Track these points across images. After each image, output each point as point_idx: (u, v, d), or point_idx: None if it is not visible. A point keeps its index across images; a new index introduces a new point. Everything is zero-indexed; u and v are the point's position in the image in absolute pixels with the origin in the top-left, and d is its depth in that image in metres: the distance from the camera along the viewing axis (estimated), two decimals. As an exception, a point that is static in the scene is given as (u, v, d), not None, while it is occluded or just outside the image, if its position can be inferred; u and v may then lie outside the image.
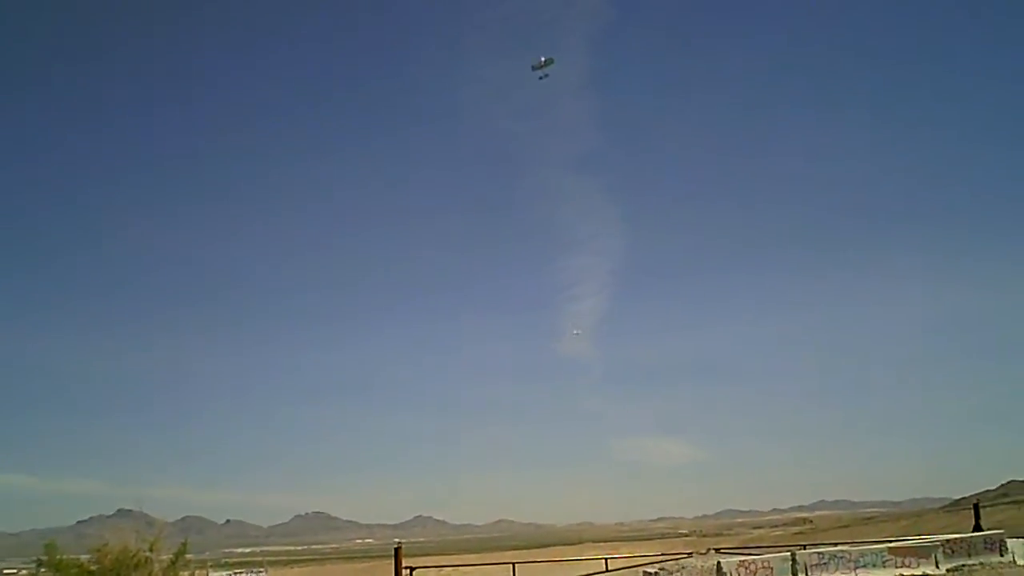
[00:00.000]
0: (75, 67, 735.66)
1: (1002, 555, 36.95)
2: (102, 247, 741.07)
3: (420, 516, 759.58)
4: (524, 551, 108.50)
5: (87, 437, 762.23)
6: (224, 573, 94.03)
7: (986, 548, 37.17)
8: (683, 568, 39.55)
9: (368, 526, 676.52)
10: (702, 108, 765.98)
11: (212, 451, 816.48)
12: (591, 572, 41.63)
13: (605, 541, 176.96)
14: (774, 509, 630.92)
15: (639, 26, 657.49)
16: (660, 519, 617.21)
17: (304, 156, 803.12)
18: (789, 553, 34.39)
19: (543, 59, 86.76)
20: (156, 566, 32.74)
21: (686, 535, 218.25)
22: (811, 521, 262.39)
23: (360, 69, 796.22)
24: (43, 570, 32.63)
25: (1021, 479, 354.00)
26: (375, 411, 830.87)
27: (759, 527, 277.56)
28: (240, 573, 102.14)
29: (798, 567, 33.09)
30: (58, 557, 31.84)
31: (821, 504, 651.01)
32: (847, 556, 34.42)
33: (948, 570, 34.97)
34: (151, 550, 32.77)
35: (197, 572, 38.01)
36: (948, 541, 37.10)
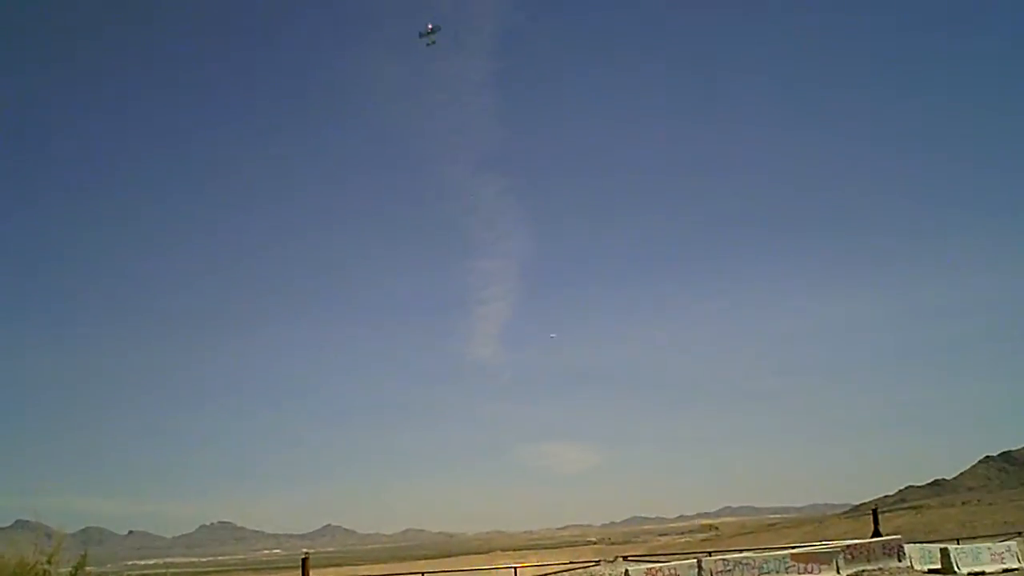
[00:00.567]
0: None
1: (900, 560, 37.73)
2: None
3: (328, 526, 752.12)
4: (434, 560, 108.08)
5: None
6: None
7: (885, 553, 37.88)
8: None
9: (275, 536, 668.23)
10: (606, 109, 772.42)
11: (115, 459, 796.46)
12: (501, 582, 41.66)
13: (515, 550, 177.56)
14: (680, 516, 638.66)
15: (544, 25, 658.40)
16: (568, 527, 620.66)
17: (200, 152, 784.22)
18: (695, 560, 34.65)
19: (430, 26, 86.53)
20: (56, 580, 31.71)
21: (594, 543, 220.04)
22: (716, 528, 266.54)
23: (258, 65, 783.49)
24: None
25: (918, 485, 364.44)
26: (282, 418, 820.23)
27: (665, 534, 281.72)
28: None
29: (704, 574, 33.43)
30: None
31: (726, 511, 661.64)
32: (751, 563, 34.78)
33: (848, 575, 35.65)
34: (49, 563, 31.75)
35: (98, 585, 36.97)
36: (848, 547, 37.72)
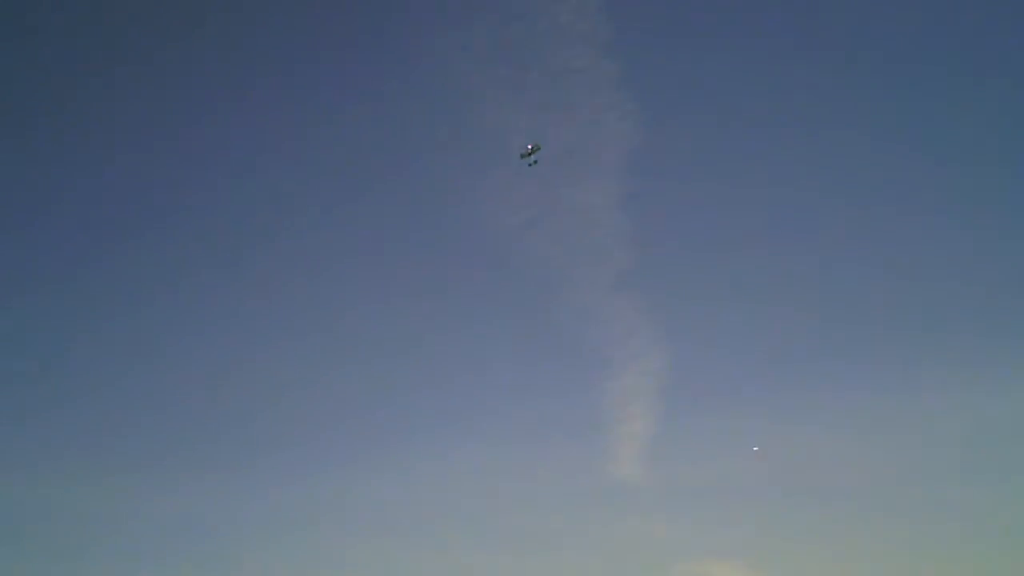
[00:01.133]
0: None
1: None
2: None
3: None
4: None
5: None
6: None
7: None
8: None
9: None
10: (733, 227, 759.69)
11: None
12: None
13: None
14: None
15: (670, 145, 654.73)
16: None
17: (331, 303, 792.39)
18: None
19: (530, 146, 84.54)
20: None
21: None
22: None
23: (386, 201, 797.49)
24: None
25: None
26: (425, 551, 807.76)
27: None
28: None
29: None
30: None
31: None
32: None
33: None
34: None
35: None
36: None
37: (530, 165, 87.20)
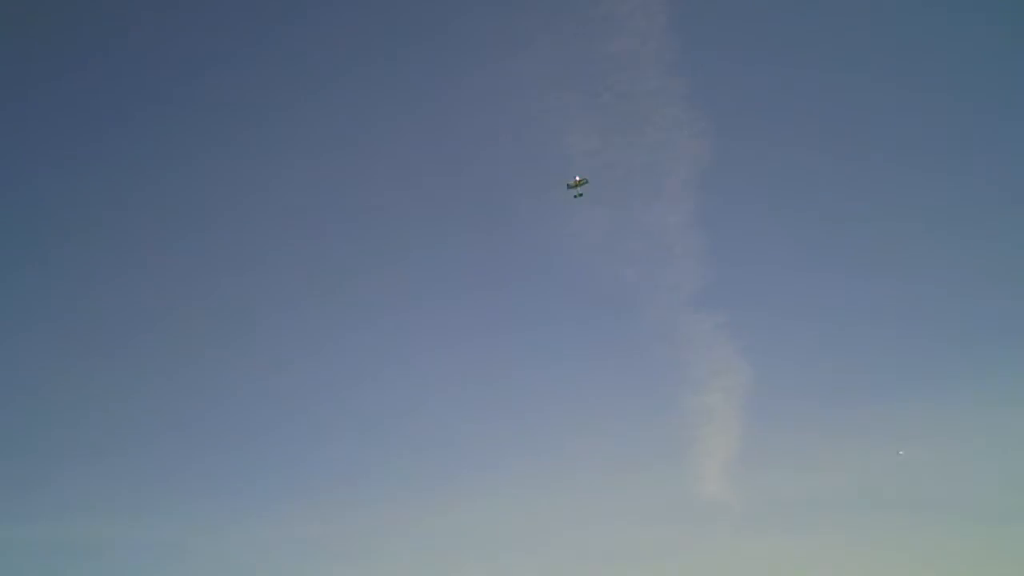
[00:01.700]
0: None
1: None
2: None
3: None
4: None
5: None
6: None
7: None
8: None
9: None
10: (805, 242, 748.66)
11: None
12: None
13: None
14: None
15: (741, 161, 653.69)
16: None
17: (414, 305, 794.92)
18: None
19: (577, 178, 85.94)
20: None
21: None
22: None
23: (455, 234, 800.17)
24: None
25: None
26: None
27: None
28: None
29: None
30: None
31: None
32: None
33: None
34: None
35: None
36: None
37: (576, 197, 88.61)
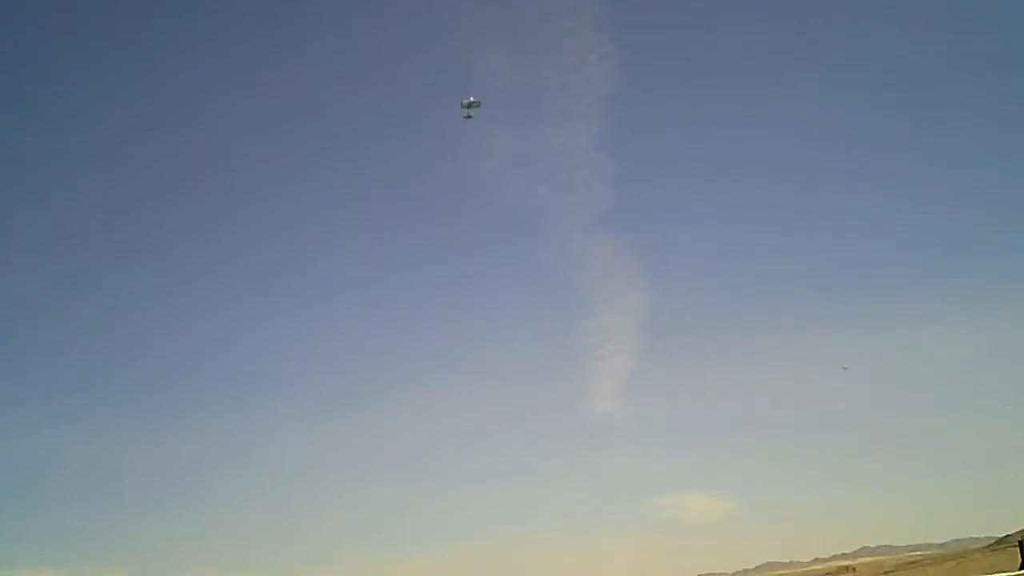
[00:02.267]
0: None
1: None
2: None
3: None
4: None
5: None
6: None
7: (1033, 587, 37.45)
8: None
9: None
10: (710, 164, 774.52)
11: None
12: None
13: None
14: (816, 559, 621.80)
15: (647, 89, 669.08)
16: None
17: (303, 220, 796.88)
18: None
19: (471, 98, 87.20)
20: None
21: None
22: (854, 569, 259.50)
23: (366, 139, 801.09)
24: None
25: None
26: (398, 486, 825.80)
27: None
28: None
29: (845, 615, 33.20)
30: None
31: (863, 551, 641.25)
32: (895, 602, 34.54)
33: (996, 612, 35.21)
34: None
35: None
36: (995, 583, 37.42)
37: (466, 118, 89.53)
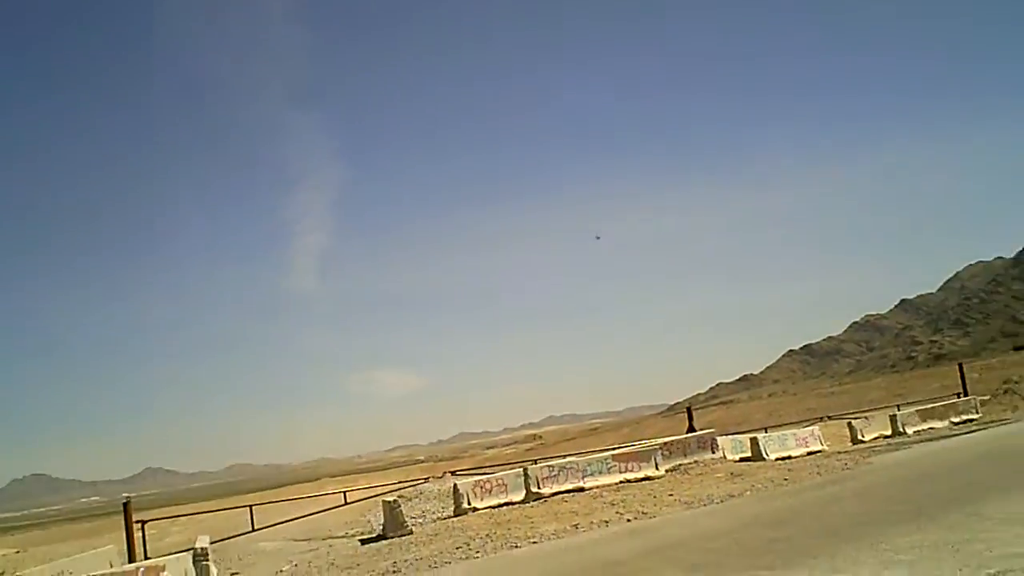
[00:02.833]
0: None
1: (714, 452, 39.21)
2: None
3: (148, 468, 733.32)
4: (261, 493, 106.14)
5: None
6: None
7: (699, 447, 39.30)
8: (421, 493, 39.95)
9: (92, 484, 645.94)
10: (418, 39, 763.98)
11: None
12: (330, 507, 41.22)
13: (343, 475, 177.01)
14: (505, 428, 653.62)
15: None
16: (396, 448, 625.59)
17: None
18: (522, 469, 34.92)
19: None
20: None
21: (422, 461, 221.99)
22: (540, 437, 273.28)
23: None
24: None
25: (728, 381, 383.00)
26: (90, 361, 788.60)
27: (492, 447, 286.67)
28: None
29: (530, 481, 33.73)
30: None
31: (549, 420, 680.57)
32: (575, 466, 35.29)
33: (667, 470, 36.66)
34: None
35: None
36: (666, 444, 38.89)
37: None
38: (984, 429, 43.51)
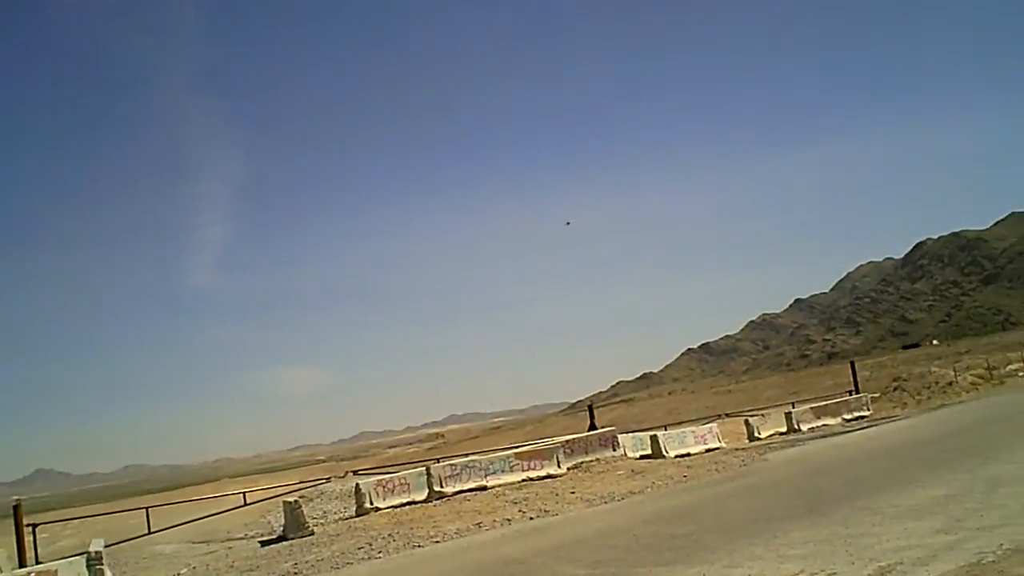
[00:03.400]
0: None
1: (615, 449, 39.57)
2: None
3: (40, 470, 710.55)
4: (159, 494, 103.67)
5: None
6: None
7: (601, 445, 39.59)
8: (322, 494, 39.45)
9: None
10: (321, 28, 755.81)
11: None
12: (230, 508, 40.47)
13: (243, 475, 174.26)
14: (408, 428, 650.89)
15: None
16: (298, 448, 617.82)
17: None
18: (424, 468, 34.75)
19: None
20: None
21: (324, 461, 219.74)
22: (443, 436, 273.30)
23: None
24: None
25: (628, 379, 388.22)
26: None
27: (395, 446, 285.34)
28: None
29: (433, 480, 33.62)
30: None
31: (452, 418, 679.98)
32: (477, 465, 35.26)
33: (569, 468, 36.87)
34: None
35: None
36: (567, 442, 39.07)
37: None
38: (875, 425, 44.99)
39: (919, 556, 13.22)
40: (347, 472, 52.69)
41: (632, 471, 34.58)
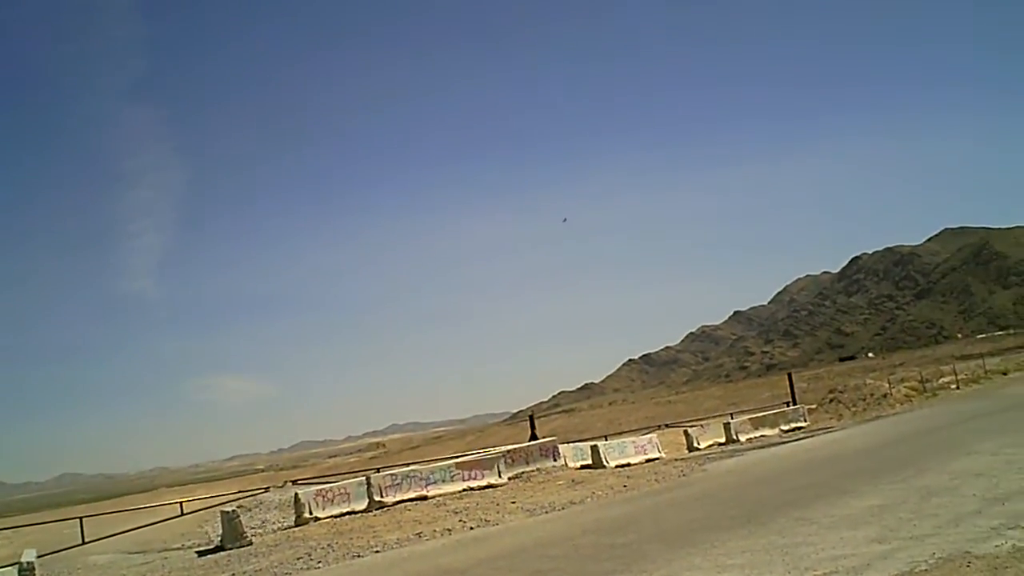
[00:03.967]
0: None
1: (555, 460, 39.66)
2: None
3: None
4: (93, 504, 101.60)
5: None
6: None
7: (542, 455, 39.64)
8: (261, 503, 39.06)
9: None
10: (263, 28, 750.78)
11: None
12: (166, 518, 39.88)
13: (180, 485, 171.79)
14: (348, 437, 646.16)
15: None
16: (235, 457, 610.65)
17: None
18: (364, 478, 34.52)
19: None
20: None
21: (263, 471, 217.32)
22: (384, 445, 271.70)
23: None
24: None
25: (570, 390, 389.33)
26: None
27: (335, 456, 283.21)
28: None
29: (373, 490, 33.40)
30: None
31: (393, 428, 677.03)
32: (418, 475, 35.07)
33: (510, 478, 36.88)
34: None
35: None
36: (508, 452, 39.05)
37: None
38: (812, 436, 45.64)
39: (854, 565, 13.46)
40: (286, 482, 52.20)
41: (573, 481, 34.68)
